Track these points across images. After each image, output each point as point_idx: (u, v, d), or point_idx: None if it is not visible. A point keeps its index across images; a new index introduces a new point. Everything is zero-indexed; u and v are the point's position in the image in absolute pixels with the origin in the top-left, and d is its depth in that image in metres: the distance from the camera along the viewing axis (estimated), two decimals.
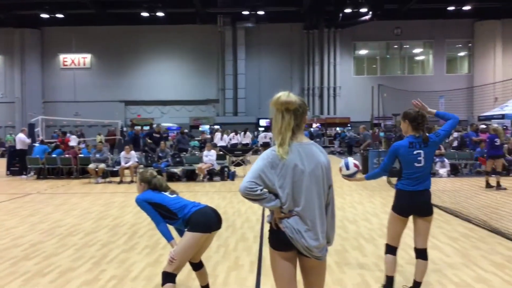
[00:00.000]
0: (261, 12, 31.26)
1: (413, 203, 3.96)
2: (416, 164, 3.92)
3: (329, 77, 34.39)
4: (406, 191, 3.96)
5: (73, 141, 16.77)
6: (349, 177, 4.10)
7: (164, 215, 3.81)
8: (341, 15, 31.72)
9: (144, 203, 3.83)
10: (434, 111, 4.09)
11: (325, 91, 34.42)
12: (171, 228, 3.89)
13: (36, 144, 16.09)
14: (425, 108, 4.08)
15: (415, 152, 3.91)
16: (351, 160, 4.08)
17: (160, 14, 30.46)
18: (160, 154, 13.69)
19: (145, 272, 4.98)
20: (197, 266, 4.04)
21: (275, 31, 34.06)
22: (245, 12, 31.29)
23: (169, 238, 3.79)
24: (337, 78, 34.38)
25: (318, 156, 2.64)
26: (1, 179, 15.18)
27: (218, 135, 21.27)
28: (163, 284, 3.65)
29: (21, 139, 15.84)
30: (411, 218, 4.10)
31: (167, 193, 3.98)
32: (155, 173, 4.10)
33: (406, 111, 4.09)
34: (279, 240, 2.59)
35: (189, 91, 34.67)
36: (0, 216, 8.40)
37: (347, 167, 4.02)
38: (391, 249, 4.11)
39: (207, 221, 3.74)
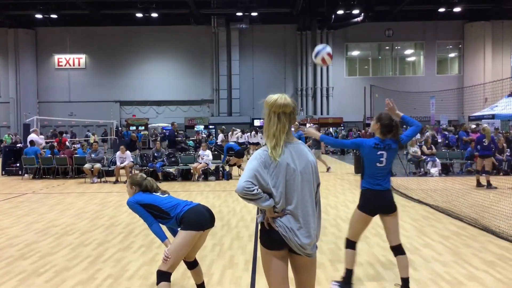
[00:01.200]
0: (254, 13, 31.31)
1: (380, 202, 4.13)
2: (378, 164, 4.11)
3: (322, 77, 34.57)
4: (373, 190, 4.12)
5: (40, 140, 16.26)
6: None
7: (156, 215, 3.84)
8: (333, 16, 31.90)
9: (136, 205, 3.88)
10: (401, 114, 4.26)
11: (318, 91, 34.60)
12: (164, 228, 3.93)
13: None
14: (394, 109, 4.26)
15: (378, 153, 4.10)
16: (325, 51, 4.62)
17: (154, 14, 30.42)
18: (155, 154, 13.71)
19: (140, 271, 5.02)
20: (192, 265, 4.08)
21: (268, 32, 34.20)
22: (239, 13, 31.32)
23: (162, 237, 3.84)
24: (330, 79, 34.58)
25: (307, 155, 2.69)
26: None
27: (237, 134, 22.22)
28: (158, 282, 3.68)
29: (33, 139, 15.88)
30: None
31: (158, 194, 4.03)
32: (145, 176, 4.15)
33: (381, 114, 4.23)
34: (272, 240, 2.62)
35: (184, 92, 34.68)
36: None
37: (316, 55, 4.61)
38: (352, 244, 4.28)
39: (200, 219, 3.78)
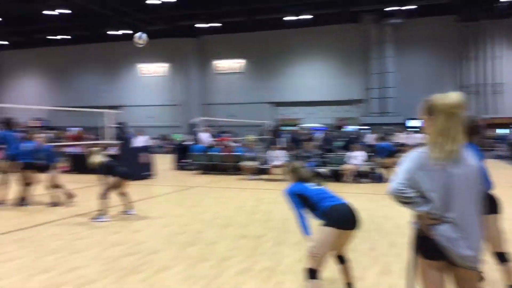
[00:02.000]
0: (409, 7, 29.54)
1: None
2: None
3: (489, 73, 30.84)
4: None
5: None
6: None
7: (307, 205, 3.95)
8: (499, 5, 28.13)
9: (291, 195, 4.03)
10: None
11: (487, 88, 30.94)
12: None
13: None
14: None
15: None
16: None
17: (305, 17, 31.08)
18: (306, 154, 13.93)
19: (294, 267, 5.15)
20: (340, 260, 4.08)
21: (424, 26, 31.76)
22: (391, 8, 29.91)
23: (307, 232, 3.88)
24: (502, 74, 30.62)
25: (470, 159, 2.47)
26: (170, 173, 17.11)
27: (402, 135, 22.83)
28: (306, 279, 3.77)
29: (203, 138, 18.00)
30: None
31: (311, 184, 4.12)
32: (301, 164, 4.36)
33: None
34: (429, 249, 2.47)
35: (333, 92, 34.56)
36: (169, 205, 9.59)
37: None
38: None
39: (341, 218, 3.77)
